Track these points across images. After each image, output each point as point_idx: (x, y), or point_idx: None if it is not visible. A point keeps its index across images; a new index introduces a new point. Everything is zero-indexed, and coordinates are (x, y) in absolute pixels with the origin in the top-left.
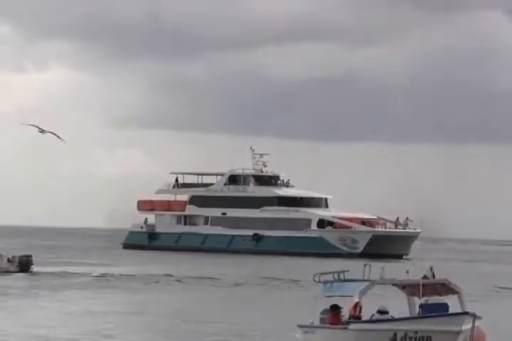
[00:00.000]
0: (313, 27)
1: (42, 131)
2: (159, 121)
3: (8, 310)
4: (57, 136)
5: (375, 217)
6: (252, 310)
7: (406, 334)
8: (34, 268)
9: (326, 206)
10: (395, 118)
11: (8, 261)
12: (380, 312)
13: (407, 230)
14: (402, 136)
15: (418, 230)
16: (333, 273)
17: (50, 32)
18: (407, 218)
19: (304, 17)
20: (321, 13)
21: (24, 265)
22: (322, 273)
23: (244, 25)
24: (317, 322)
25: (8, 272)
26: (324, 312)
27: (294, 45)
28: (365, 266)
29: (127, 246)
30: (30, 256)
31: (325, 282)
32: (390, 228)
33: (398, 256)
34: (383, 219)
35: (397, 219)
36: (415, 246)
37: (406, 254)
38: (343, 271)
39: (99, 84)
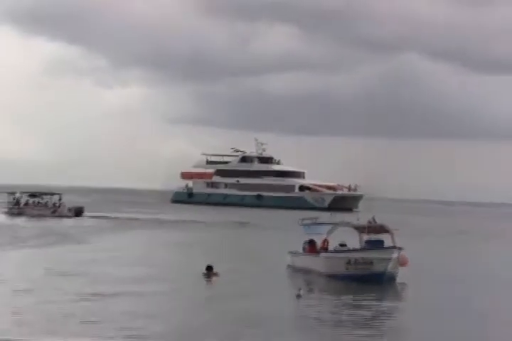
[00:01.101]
0: (297, 61)
1: None
2: (197, 120)
3: (90, 241)
4: None
5: (336, 184)
6: (258, 242)
7: (356, 260)
8: (85, 214)
9: (304, 177)
10: (353, 121)
11: (69, 210)
12: (341, 245)
13: (355, 193)
14: (358, 133)
15: (362, 193)
16: (310, 219)
17: (130, 60)
18: (356, 185)
19: (292, 53)
20: (303, 51)
21: (78, 212)
22: (303, 219)
23: (252, 58)
24: (300, 251)
25: (67, 216)
26: (304, 244)
27: (286, 73)
28: (330, 214)
29: (174, 201)
30: (83, 207)
31: (305, 224)
32: (345, 191)
33: (350, 210)
34: (341, 185)
35: (349, 185)
36: (362, 203)
37: (356, 208)
38: (316, 218)
39: (162, 96)
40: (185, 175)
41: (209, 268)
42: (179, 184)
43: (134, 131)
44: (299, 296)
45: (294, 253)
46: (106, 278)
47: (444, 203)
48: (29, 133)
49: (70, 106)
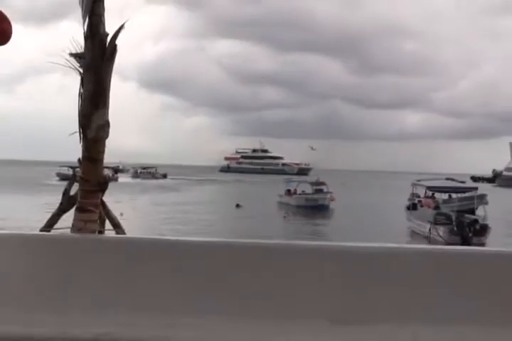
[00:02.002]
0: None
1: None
2: (232, 132)
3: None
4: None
5: (299, 162)
6: (262, 190)
7: (309, 198)
8: (169, 176)
9: (283, 159)
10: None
11: (160, 175)
12: (302, 191)
13: (308, 166)
14: (311, 137)
15: (311, 166)
16: (288, 179)
17: (199, 105)
18: (308, 163)
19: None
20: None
21: (164, 176)
22: (286, 179)
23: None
24: (283, 194)
25: (158, 178)
26: (286, 191)
27: (274, 110)
28: (298, 177)
29: (221, 170)
30: (166, 174)
31: (286, 181)
32: (302, 165)
33: (306, 175)
34: (301, 163)
35: (305, 164)
36: (312, 172)
37: (308, 174)
38: (291, 178)
39: (216, 122)
40: (226, 158)
41: (237, 205)
42: (224, 163)
43: (202, 139)
44: (285, 217)
45: (281, 196)
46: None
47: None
48: (150, 139)
49: (168, 127)
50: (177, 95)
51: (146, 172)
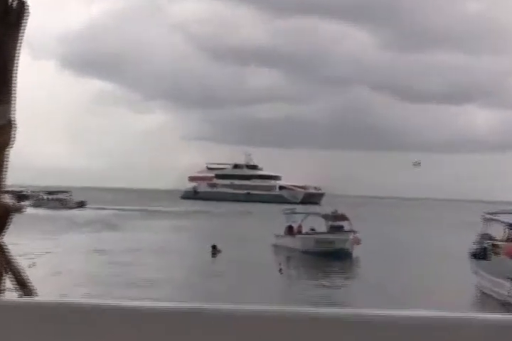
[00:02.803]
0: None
1: None
2: (202, 137)
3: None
4: None
5: (306, 185)
6: (250, 226)
7: (322, 239)
8: (88, 205)
9: (280, 179)
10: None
11: (76, 203)
12: (311, 229)
13: (320, 191)
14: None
15: (323, 192)
16: (290, 209)
17: (153, 94)
18: (318, 186)
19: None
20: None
21: (80, 204)
22: (286, 209)
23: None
24: (282, 234)
25: (72, 208)
26: (286, 228)
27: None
28: (304, 207)
29: (183, 197)
30: (85, 201)
31: (286, 213)
32: (310, 189)
33: (317, 203)
34: (308, 186)
35: (315, 187)
36: (325, 200)
37: (319, 203)
38: (294, 209)
39: (178, 119)
40: (192, 178)
41: (214, 247)
42: (189, 185)
43: (157, 145)
44: (280, 270)
45: (277, 236)
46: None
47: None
48: (79, 146)
49: (111, 127)
50: (119, 81)
51: (53, 199)
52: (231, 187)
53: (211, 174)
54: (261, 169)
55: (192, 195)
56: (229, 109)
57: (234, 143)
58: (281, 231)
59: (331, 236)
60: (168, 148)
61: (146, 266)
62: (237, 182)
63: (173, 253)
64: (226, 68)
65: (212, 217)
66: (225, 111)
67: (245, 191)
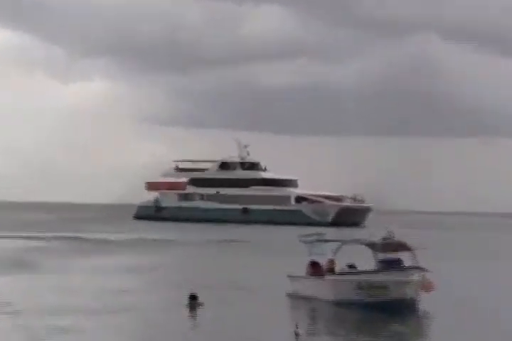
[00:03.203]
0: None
1: None
2: (172, 119)
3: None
4: None
5: (339, 194)
6: (248, 264)
7: (369, 283)
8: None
9: (297, 186)
10: (355, 117)
11: None
12: (349, 266)
13: (362, 204)
14: (361, 132)
15: (371, 204)
16: (314, 235)
17: (92, 51)
18: (362, 195)
19: (281, 39)
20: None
21: None
22: (305, 236)
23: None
24: (301, 274)
25: None
26: (309, 266)
27: (275, 62)
28: (337, 230)
29: (137, 217)
30: None
31: (307, 241)
32: (350, 202)
33: (357, 224)
34: (344, 196)
35: (354, 195)
36: (370, 216)
37: (363, 223)
38: (321, 234)
39: (130, 91)
40: (152, 186)
41: (192, 298)
42: (147, 196)
43: (94, 134)
44: (297, 335)
45: (294, 278)
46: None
47: (473, 215)
48: None
49: (17, 103)
50: (23, 25)
51: None
52: (216, 200)
53: (183, 178)
54: (265, 169)
55: (152, 213)
56: (213, 71)
57: (221, 127)
58: (301, 270)
59: (383, 278)
60: (115, 138)
61: None
62: (226, 190)
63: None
64: (207, 3)
65: (185, 249)
66: (206, 76)
67: (240, 206)
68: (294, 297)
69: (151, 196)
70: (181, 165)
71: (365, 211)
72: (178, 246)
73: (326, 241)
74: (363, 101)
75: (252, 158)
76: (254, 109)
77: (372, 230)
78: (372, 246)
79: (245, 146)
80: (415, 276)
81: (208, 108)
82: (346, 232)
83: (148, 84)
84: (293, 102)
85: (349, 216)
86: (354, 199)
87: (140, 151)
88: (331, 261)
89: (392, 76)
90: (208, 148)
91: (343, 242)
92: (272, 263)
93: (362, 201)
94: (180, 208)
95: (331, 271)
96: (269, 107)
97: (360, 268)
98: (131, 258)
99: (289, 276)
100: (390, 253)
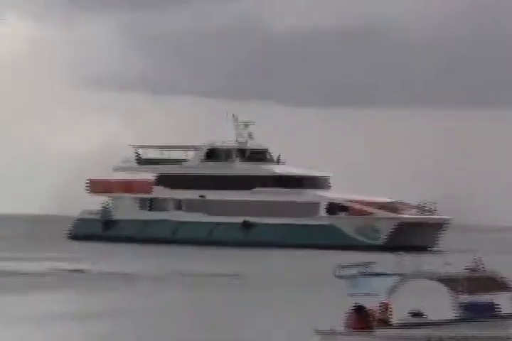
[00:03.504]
0: None
1: None
2: (129, 81)
3: None
4: None
5: (394, 201)
6: (253, 312)
7: (443, 338)
8: None
9: (329, 187)
10: (413, 78)
11: None
12: (413, 314)
13: (436, 216)
14: (417, 100)
15: (449, 217)
16: (358, 265)
17: None
18: (434, 202)
19: None
20: None
21: None
22: (344, 266)
23: None
24: (338, 328)
25: None
26: (350, 314)
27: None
28: (396, 256)
29: (74, 237)
30: None
31: (347, 276)
32: (414, 213)
33: (423, 249)
34: (404, 203)
35: (421, 203)
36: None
37: (432, 246)
38: (369, 263)
39: (63, 39)
40: (98, 187)
41: None
42: (86, 204)
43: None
44: None
45: (326, 335)
46: None
47: None
48: None
49: None
50: None
51: None
52: (201, 209)
53: (147, 175)
54: (278, 160)
55: (98, 231)
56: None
57: (203, 94)
58: (337, 321)
59: (466, 332)
60: (36, 109)
61: None
62: (216, 195)
63: None
64: None
65: (152, 289)
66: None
67: (238, 218)
68: None
69: (95, 203)
70: (145, 154)
71: (438, 227)
72: (139, 284)
73: (377, 275)
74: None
75: (257, 142)
76: (257, 66)
77: (450, 257)
78: (449, 282)
79: (246, 124)
80: None
81: (188, 64)
82: (408, 261)
83: (91, 26)
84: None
85: (413, 235)
86: (421, 208)
87: (78, 131)
88: (385, 307)
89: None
90: (187, 125)
91: (404, 277)
92: (290, 312)
93: (433, 212)
94: (142, 223)
95: (385, 321)
96: (279, 63)
97: (429, 317)
98: (62, 305)
99: (318, 332)
100: (478, 293)
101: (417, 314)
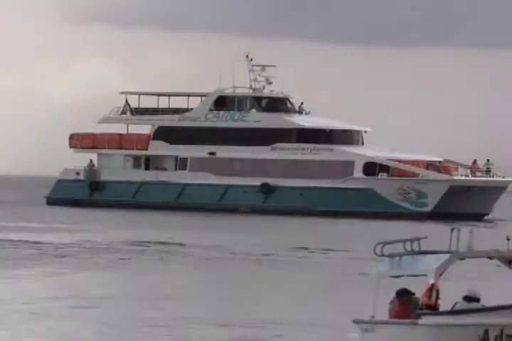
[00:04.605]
0: None
1: None
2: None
3: None
4: None
5: (442, 160)
6: (282, 297)
7: (503, 331)
8: None
9: (363, 143)
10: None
11: None
12: (468, 298)
13: (495, 179)
14: (474, 41)
15: (510, 179)
16: (404, 241)
17: None
18: (488, 161)
19: None
20: None
21: None
22: (387, 243)
23: None
24: (381, 316)
25: None
26: (391, 302)
27: None
28: (452, 230)
29: (54, 201)
30: None
31: (392, 255)
32: (466, 175)
33: (478, 217)
34: (453, 162)
35: (475, 162)
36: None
37: (488, 213)
38: (418, 239)
39: None
40: (83, 141)
41: None
42: (67, 162)
43: None
44: None
45: (365, 324)
46: None
47: None
48: None
49: None
50: None
51: None
52: (210, 169)
53: (144, 127)
54: (302, 110)
55: (83, 194)
56: None
57: (213, 30)
58: (379, 309)
59: None
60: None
61: None
62: (228, 151)
63: None
64: None
65: (154, 265)
66: None
67: (256, 180)
68: None
69: (80, 161)
70: (141, 102)
71: (497, 191)
72: (143, 258)
73: (426, 252)
74: None
75: (277, 88)
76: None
77: (510, 228)
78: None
79: (263, 67)
80: None
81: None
82: (463, 233)
83: None
84: None
85: (467, 200)
86: (473, 168)
87: (66, 77)
88: (432, 290)
89: None
90: (191, 68)
91: (458, 254)
92: (320, 296)
93: (488, 171)
94: (137, 185)
95: (433, 307)
96: None
97: (486, 302)
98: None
99: (357, 321)
100: None
101: (472, 298)
